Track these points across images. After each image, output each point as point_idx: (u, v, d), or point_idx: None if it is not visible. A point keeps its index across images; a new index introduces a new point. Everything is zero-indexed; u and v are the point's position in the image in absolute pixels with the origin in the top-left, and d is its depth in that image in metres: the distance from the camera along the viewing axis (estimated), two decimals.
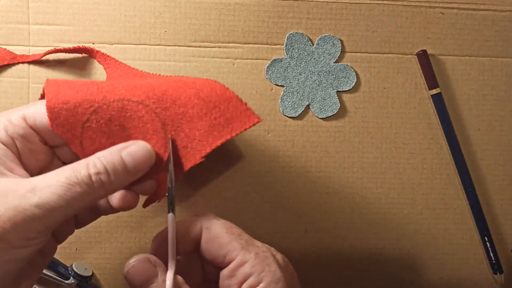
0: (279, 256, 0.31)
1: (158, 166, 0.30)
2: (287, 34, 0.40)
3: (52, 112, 0.28)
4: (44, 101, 0.29)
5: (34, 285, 0.38)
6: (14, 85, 0.39)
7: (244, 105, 0.32)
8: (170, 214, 0.29)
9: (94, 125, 0.29)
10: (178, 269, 0.30)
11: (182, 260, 0.32)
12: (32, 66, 0.39)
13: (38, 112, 0.29)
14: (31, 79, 0.39)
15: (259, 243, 0.31)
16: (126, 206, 0.30)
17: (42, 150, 0.30)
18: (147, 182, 0.30)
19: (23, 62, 0.39)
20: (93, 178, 0.26)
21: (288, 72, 0.40)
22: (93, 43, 0.39)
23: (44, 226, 0.25)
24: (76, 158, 0.30)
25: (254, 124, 0.32)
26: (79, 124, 0.29)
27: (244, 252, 0.29)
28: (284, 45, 0.40)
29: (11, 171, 0.27)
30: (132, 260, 0.28)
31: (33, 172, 0.29)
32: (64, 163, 0.30)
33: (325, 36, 0.40)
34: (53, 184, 0.25)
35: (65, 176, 0.26)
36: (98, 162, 0.27)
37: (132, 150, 0.28)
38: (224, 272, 0.29)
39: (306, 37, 0.40)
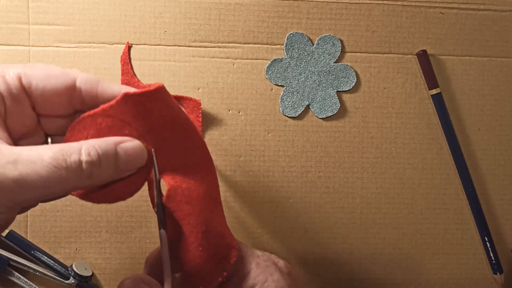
0: (281, 263, 0.30)
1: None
2: (287, 34, 0.40)
3: (120, 103, 0.26)
4: (43, 65, 0.26)
5: (34, 285, 0.38)
6: None
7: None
8: (162, 231, 0.27)
9: (103, 124, 0.27)
10: (177, 286, 0.29)
11: (181, 277, 0.31)
12: None
13: (35, 75, 0.26)
14: None
15: (259, 252, 0.30)
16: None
17: (29, 115, 0.27)
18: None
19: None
20: (84, 166, 0.23)
21: (288, 72, 0.40)
22: (93, 43, 0.39)
23: (15, 203, 0.23)
24: (59, 132, 0.28)
25: None
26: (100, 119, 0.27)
27: (244, 264, 0.28)
28: (284, 45, 0.40)
29: None
30: (126, 282, 0.26)
31: (14, 136, 0.26)
32: (46, 135, 0.28)
33: (325, 36, 0.40)
34: (38, 162, 0.23)
35: (53, 157, 0.23)
36: (92, 150, 0.24)
37: (128, 146, 0.26)
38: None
39: (306, 37, 0.40)
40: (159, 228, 0.28)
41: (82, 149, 0.24)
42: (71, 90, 0.26)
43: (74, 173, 0.23)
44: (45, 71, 0.26)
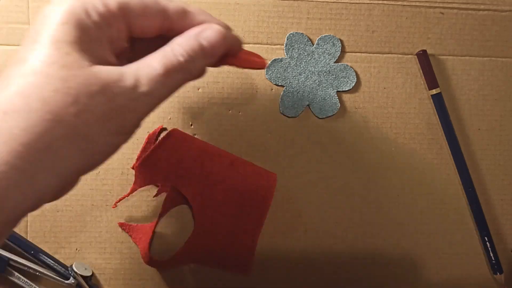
0: None
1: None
2: (287, 34, 0.40)
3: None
4: None
5: (34, 285, 0.38)
6: None
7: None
8: None
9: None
10: None
11: None
12: None
13: None
14: None
15: None
16: None
17: (124, 38, 0.27)
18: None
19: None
20: (184, 63, 0.26)
21: (288, 72, 0.40)
22: None
23: (141, 118, 0.26)
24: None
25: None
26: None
27: None
28: (284, 45, 0.40)
29: (107, 58, 0.25)
30: None
31: (107, 61, 0.27)
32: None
33: (325, 36, 0.40)
34: (154, 73, 0.25)
35: (162, 63, 0.25)
36: (179, 49, 0.26)
37: (207, 35, 0.28)
38: None
39: (306, 37, 0.40)
40: None
41: (174, 50, 0.26)
42: (164, 13, 0.27)
43: (182, 72, 0.26)
44: None
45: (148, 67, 0.25)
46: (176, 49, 0.26)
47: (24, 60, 0.22)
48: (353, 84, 0.41)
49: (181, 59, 0.26)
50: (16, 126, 0.21)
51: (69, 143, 0.22)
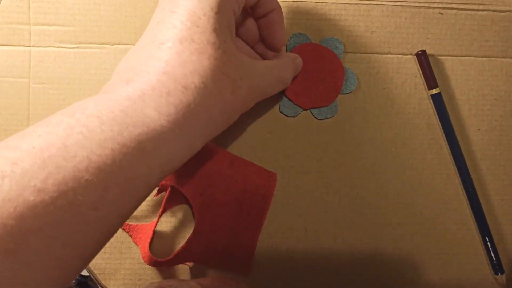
0: (207, 280, 0.33)
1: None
2: (291, 34, 0.40)
3: None
4: None
5: None
6: (14, 85, 0.39)
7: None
8: None
9: None
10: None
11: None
12: (32, 66, 0.39)
13: None
14: (31, 79, 0.39)
15: (191, 283, 0.33)
16: None
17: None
18: None
19: None
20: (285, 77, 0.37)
21: None
22: (94, 44, 0.40)
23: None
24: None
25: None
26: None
27: None
28: (287, 44, 0.40)
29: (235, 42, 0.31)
30: None
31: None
32: None
33: (328, 38, 0.40)
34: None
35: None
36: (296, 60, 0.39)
37: (299, 63, 0.39)
38: None
39: (309, 39, 0.40)
40: None
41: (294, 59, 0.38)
42: None
43: (283, 84, 0.36)
44: None
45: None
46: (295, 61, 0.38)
47: (193, 41, 0.26)
48: (354, 87, 0.41)
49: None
50: (193, 100, 0.25)
51: (220, 114, 0.27)
